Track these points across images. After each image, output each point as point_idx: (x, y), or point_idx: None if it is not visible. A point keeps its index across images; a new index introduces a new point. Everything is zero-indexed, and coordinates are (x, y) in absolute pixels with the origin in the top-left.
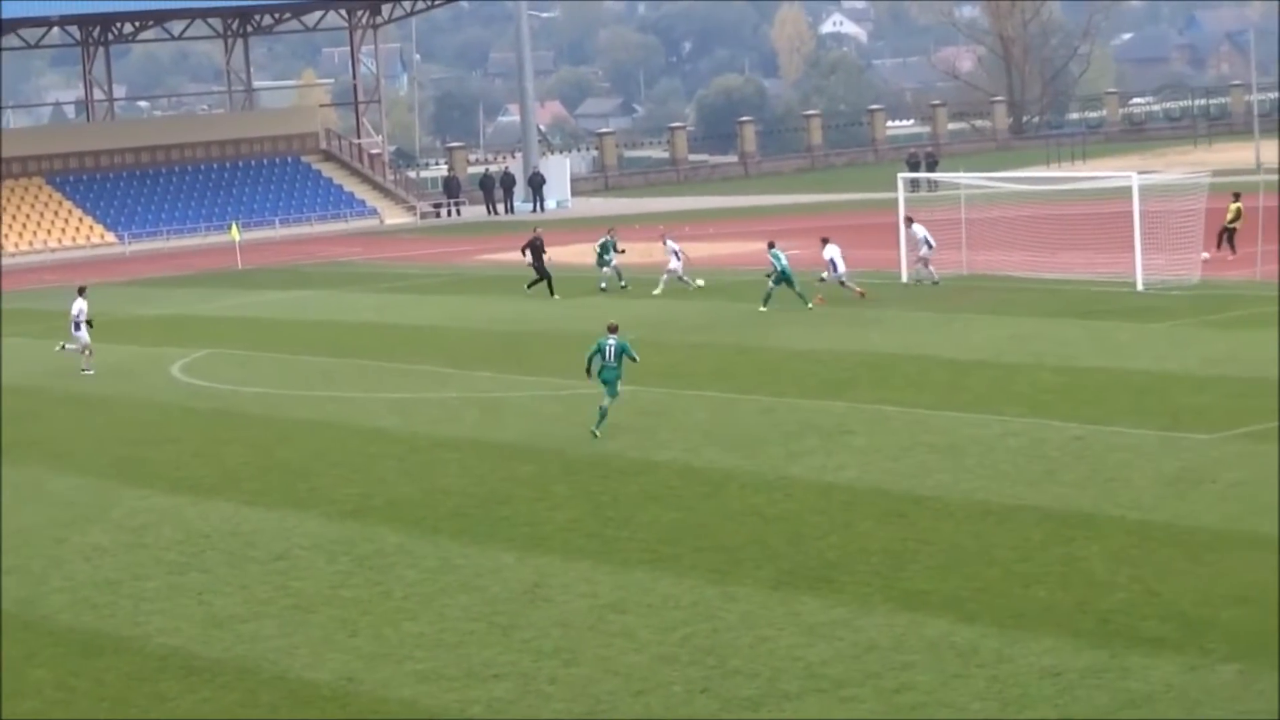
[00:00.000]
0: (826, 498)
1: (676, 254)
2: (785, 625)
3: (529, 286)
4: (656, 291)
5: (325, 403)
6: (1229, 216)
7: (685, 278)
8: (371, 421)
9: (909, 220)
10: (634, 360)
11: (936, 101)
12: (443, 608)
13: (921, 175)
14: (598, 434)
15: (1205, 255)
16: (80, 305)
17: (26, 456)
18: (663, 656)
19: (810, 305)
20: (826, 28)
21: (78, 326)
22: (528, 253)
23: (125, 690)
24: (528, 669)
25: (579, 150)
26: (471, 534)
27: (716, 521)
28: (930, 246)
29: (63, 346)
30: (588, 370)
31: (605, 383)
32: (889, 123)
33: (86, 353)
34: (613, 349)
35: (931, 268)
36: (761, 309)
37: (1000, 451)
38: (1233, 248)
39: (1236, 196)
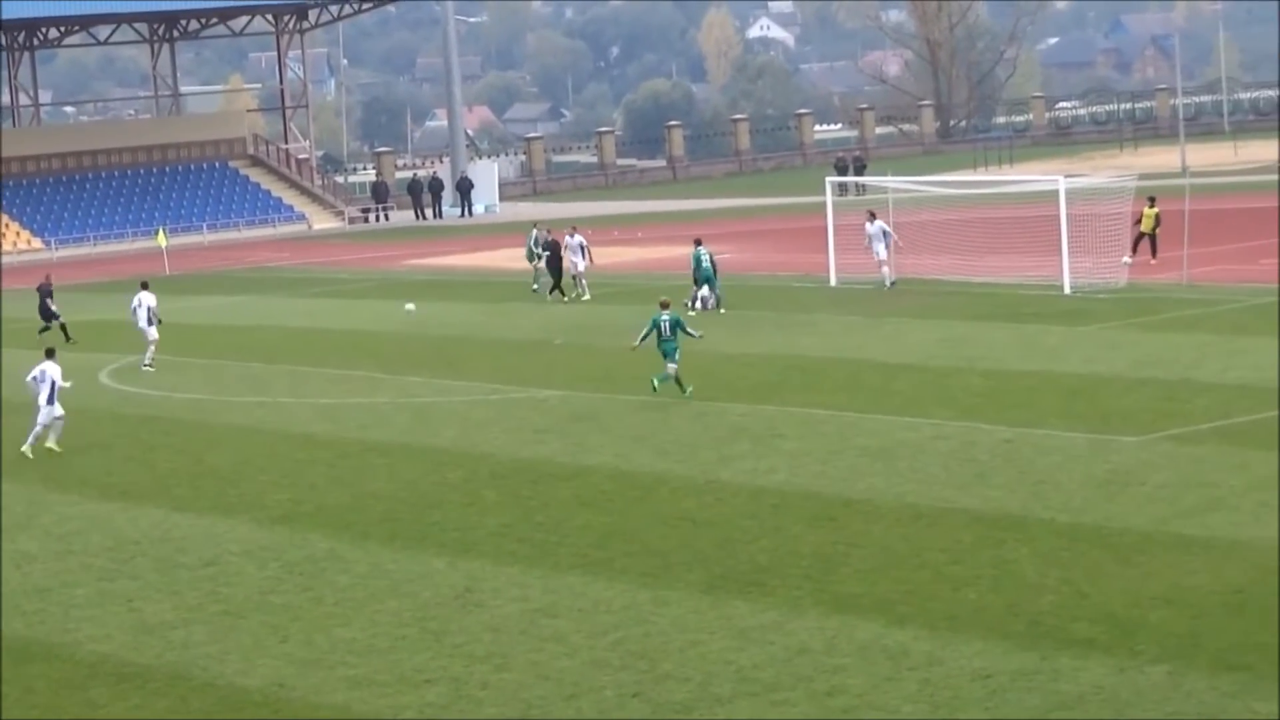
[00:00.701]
0: (757, 501)
1: (583, 248)
2: (717, 629)
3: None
4: (585, 296)
5: (255, 408)
6: (1148, 223)
7: (583, 281)
8: (301, 427)
9: (872, 215)
10: (690, 335)
11: (864, 105)
12: (374, 613)
13: (849, 179)
14: (688, 392)
15: (1127, 260)
16: (145, 299)
17: None
18: (594, 661)
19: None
20: (754, 32)
21: (150, 321)
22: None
23: (55, 698)
24: (459, 674)
25: (507, 155)
26: (402, 539)
27: (647, 526)
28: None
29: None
30: (640, 341)
31: (666, 354)
32: (817, 127)
33: (152, 348)
34: (667, 324)
35: (886, 269)
36: (690, 312)
37: (931, 454)
38: (1153, 252)
39: (1152, 201)
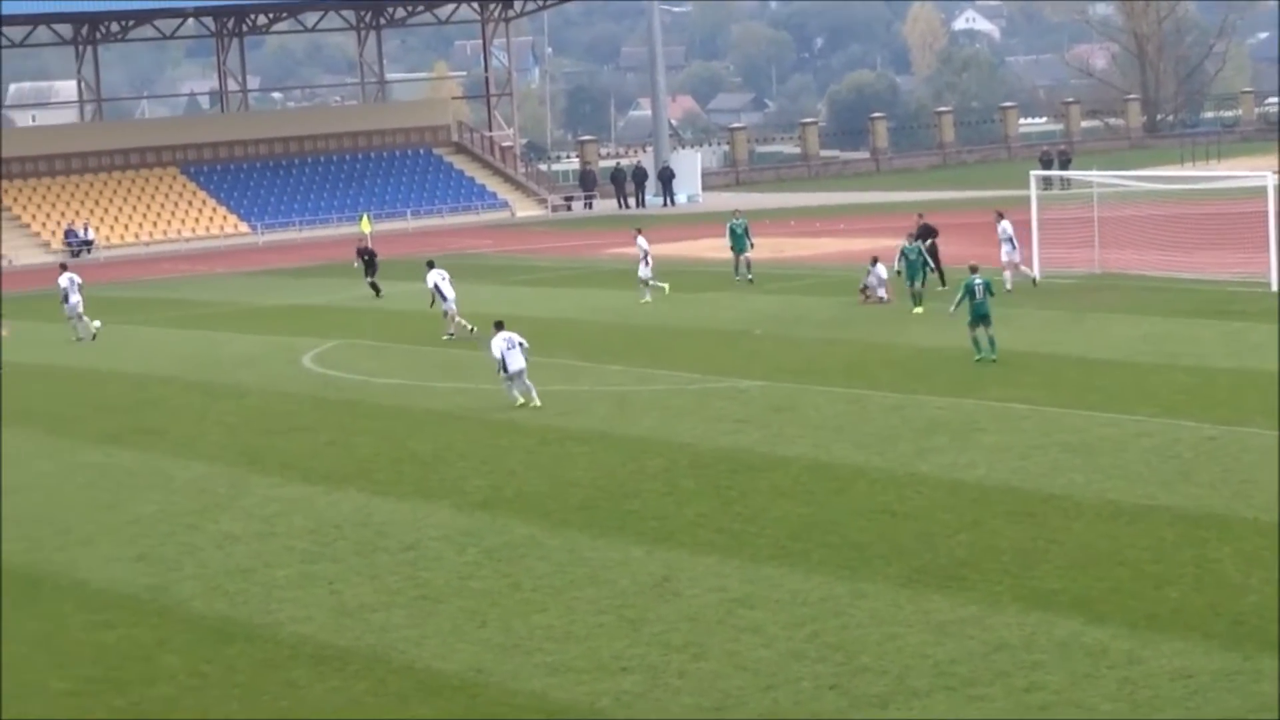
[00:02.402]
0: (956, 495)
1: (646, 256)
2: (914, 623)
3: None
4: (645, 299)
5: (456, 394)
6: None
7: (652, 280)
8: (502, 414)
9: (1000, 215)
10: (992, 295)
11: (1069, 99)
12: (571, 600)
13: (1054, 173)
14: (994, 358)
15: None
16: (435, 276)
17: (154, 444)
18: (791, 652)
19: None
20: (959, 24)
21: (444, 297)
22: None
23: (256, 678)
24: (656, 662)
25: (710, 145)
26: (601, 526)
27: (846, 518)
28: (1013, 246)
29: (451, 335)
30: (955, 308)
31: (981, 316)
32: (1021, 120)
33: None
34: (980, 286)
35: (1024, 267)
36: (918, 309)
37: (1133, 451)
38: None
39: None
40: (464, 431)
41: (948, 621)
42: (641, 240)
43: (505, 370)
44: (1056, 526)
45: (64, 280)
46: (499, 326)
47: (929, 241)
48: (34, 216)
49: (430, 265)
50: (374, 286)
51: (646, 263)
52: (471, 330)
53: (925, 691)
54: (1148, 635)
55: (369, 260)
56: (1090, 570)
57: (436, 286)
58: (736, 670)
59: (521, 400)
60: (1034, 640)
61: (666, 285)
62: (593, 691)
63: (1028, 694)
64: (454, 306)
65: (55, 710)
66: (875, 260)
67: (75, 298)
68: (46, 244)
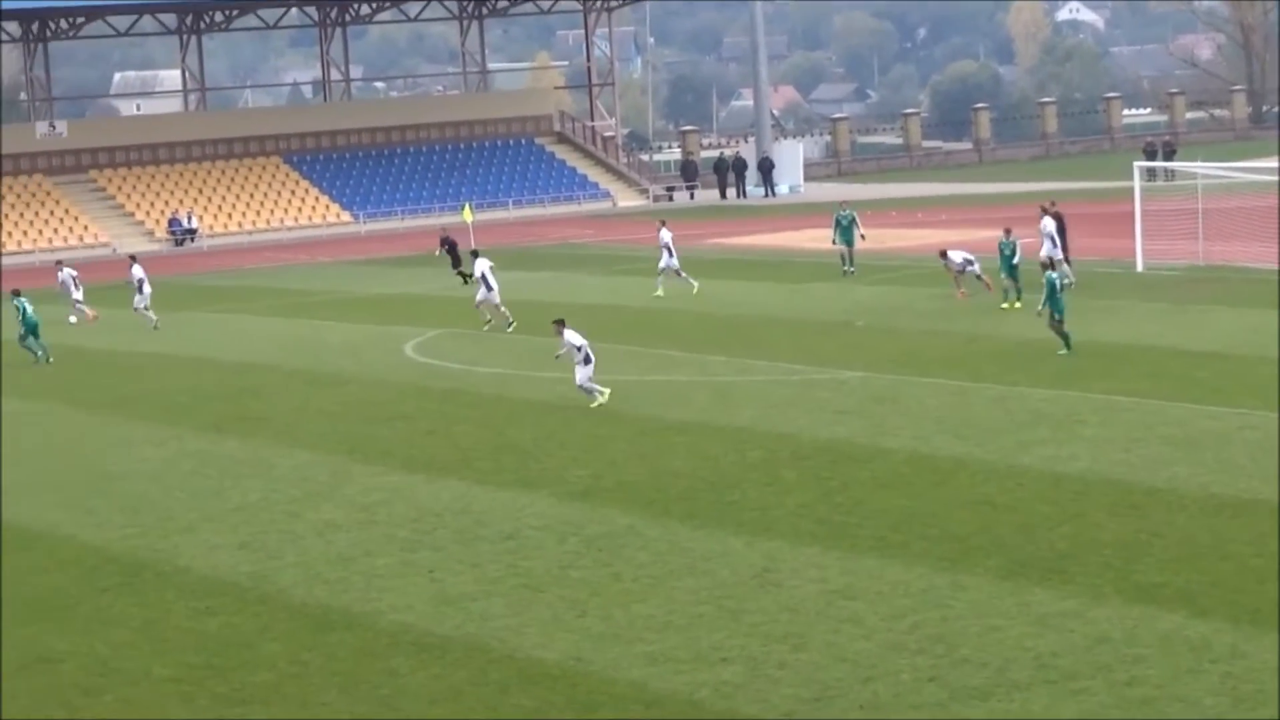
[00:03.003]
0: (1058, 488)
1: (668, 248)
2: (1015, 615)
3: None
4: (659, 292)
5: (556, 384)
6: None
7: (682, 273)
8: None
9: (1044, 210)
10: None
11: (1174, 90)
12: (671, 590)
13: (1158, 164)
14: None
15: None
16: (485, 265)
17: (256, 432)
18: (891, 644)
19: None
20: (1063, 14)
21: (489, 287)
22: None
23: (357, 665)
24: (756, 653)
25: (812, 135)
26: (701, 517)
27: (946, 510)
28: (1054, 245)
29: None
30: (1044, 305)
31: (1059, 311)
32: (1125, 111)
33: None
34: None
35: (1064, 265)
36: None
37: (1236, 445)
38: None
39: None
40: (565, 421)
41: (1049, 614)
42: (665, 233)
43: (588, 360)
44: (1159, 520)
45: (137, 271)
46: (561, 325)
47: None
48: (138, 205)
49: (475, 255)
50: (462, 275)
51: (669, 255)
52: (510, 324)
53: (1026, 684)
54: (1251, 630)
55: (451, 249)
56: (1193, 564)
57: (484, 275)
58: (836, 661)
59: (600, 399)
60: (1136, 634)
61: (696, 284)
62: (692, 682)
63: (1129, 688)
64: (497, 297)
65: (158, 696)
66: (944, 253)
67: (148, 289)
68: (150, 232)
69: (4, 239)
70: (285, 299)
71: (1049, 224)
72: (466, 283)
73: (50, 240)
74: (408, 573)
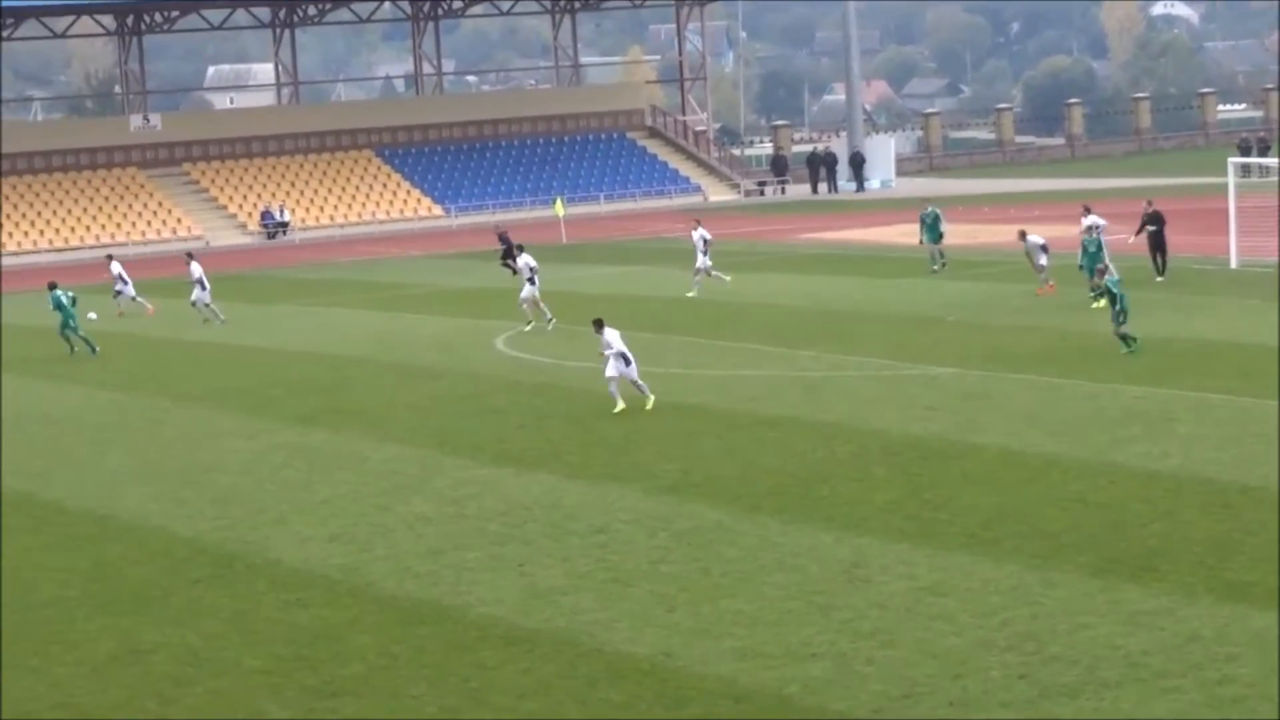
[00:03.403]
0: (1150, 486)
1: (705, 243)
2: (1106, 613)
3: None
4: (691, 293)
5: (646, 378)
6: None
7: (715, 272)
8: (692, 398)
9: (1087, 209)
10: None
11: (1270, 85)
12: (761, 586)
13: (1253, 160)
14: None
15: None
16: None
17: (347, 425)
18: (981, 641)
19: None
20: (1157, 9)
21: (533, 283)
22: None
23: (445, 658)
24: (845, 649)
25: (904, 130)
26: (790, 512)
27: (1037, 507)
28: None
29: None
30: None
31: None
32: (1220, 106)
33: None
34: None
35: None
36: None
37: None
38: None
39: None
40: (654, 416)
41: (1139, 612)
42: (699, 232)
43: (626, 361)
44: (1252, 518)
45: (195, 269)
46: (601, 324)
47: (1155, 229)
48: (230, 198)
49: (520, 250)
50: (509, 266)
51: (704, 252)
52: (550, 321)
53: (1116, 683)
54: None
55: (506, 243)
56: None
57: (532, 270)
58: (925, 658)
59: (621, 405)
60: (1227, 632)
61: (729, 277)
62: (781, 677)
63: (1220, 686)
64: (537, 293)
65: (248, 688)
66: (1024, 234)
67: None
68: (243, 225)
69: (98, 232)
70: (377, 292)
71: (1096, 220)
72: (515, 273)
73: (143, 233)
74: (497, 566)
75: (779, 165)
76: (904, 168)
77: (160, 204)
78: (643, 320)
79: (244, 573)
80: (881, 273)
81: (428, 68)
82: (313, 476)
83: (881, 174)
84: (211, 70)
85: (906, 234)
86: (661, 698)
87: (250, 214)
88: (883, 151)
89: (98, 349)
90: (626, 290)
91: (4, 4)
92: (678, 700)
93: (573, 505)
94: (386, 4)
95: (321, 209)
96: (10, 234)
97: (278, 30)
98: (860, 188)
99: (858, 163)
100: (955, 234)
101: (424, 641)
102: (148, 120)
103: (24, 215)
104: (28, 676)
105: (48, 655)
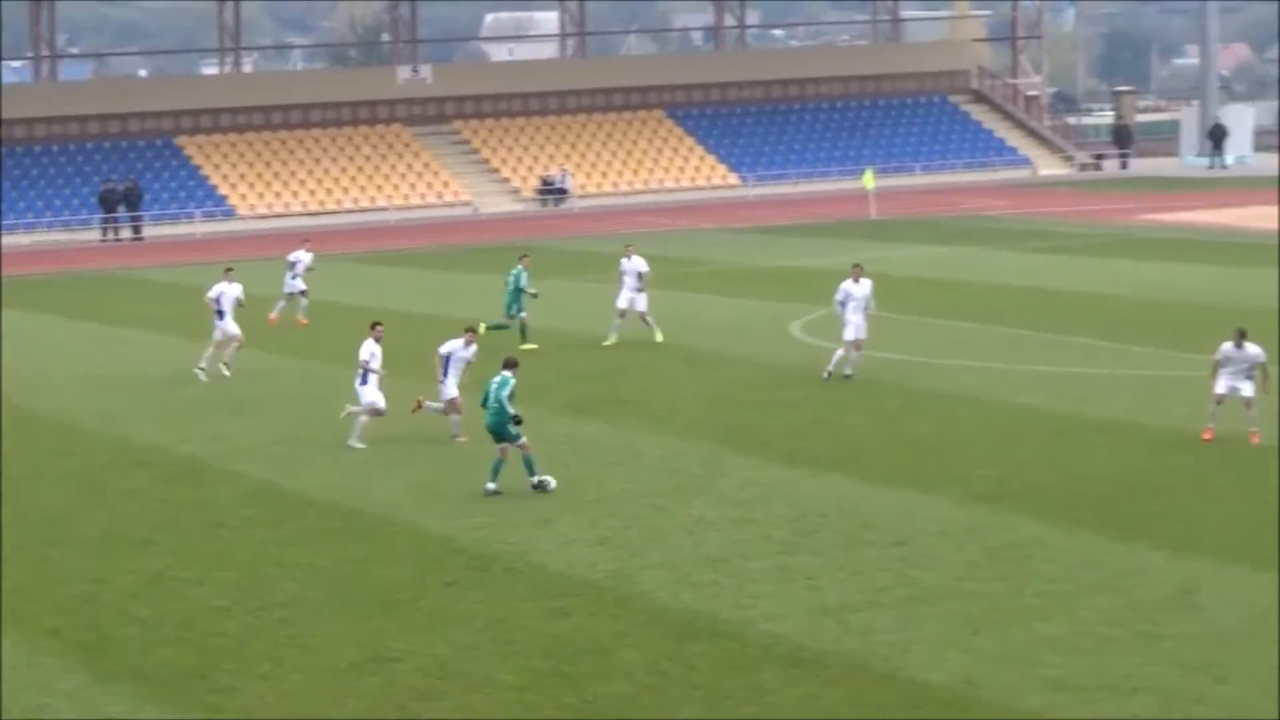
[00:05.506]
0: None
1: (639, 277)
2: None
3: None
4: (608, 341)
5: (962, 373)
6: None
7: (649, 319)
8: (1013, 397)
9: None
10: None
11: None
12: (1080, 609)
13: None
14: None
15: None
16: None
17: (622, 415)
18: None
19: None
20: None
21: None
22: None
23: (720, 679)
24: (1172, 684)
25: (1264, 100)
26: (1118, 528)
27: None
28: None
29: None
30: None
31: None
32: None
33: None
34: None
35: None
36: None
37: None
38: None
39: None
40: (970, 415)
41: None
42: (632, 261)
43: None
44: None
45: (302, 257)
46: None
47: None
48: (504, 160)
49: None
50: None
51: (637, 290)
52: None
53: None
54: None
55: None
56: None
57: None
58: (1263, 698)
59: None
60: None
61: (660, 336)
62: (1096, 713)
63: None
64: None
65: (500, 704)
66: None
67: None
68: (516, 190)
69: (356, 194)
70: (663, 269)
71: None
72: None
73: (406, 196)
74: (784, 578)
75: (1121, 136)
76: (1263, 142)
77: (426, 165)
78: (959, 308)
79: (502, 576)
80: (1232, 261)
81: (729, 19)
82: (583, 472)
83: (1237, 148)
84: (489, 18)
85: (1265, 216)
86: None
87: (525, 178)
88: (1240, 123)
89: None
90: (942, 274)
91: None
92: None
93: (871, 513)
94: None
95: (604, 175)
96: (261, 194)
97: None
98: (1222, 164)
99: (1218, 135)
100: None
101: (698, 659)
102: (416, 72)
103: (276, 174)
104: (258, 683)
105: (282, 661)
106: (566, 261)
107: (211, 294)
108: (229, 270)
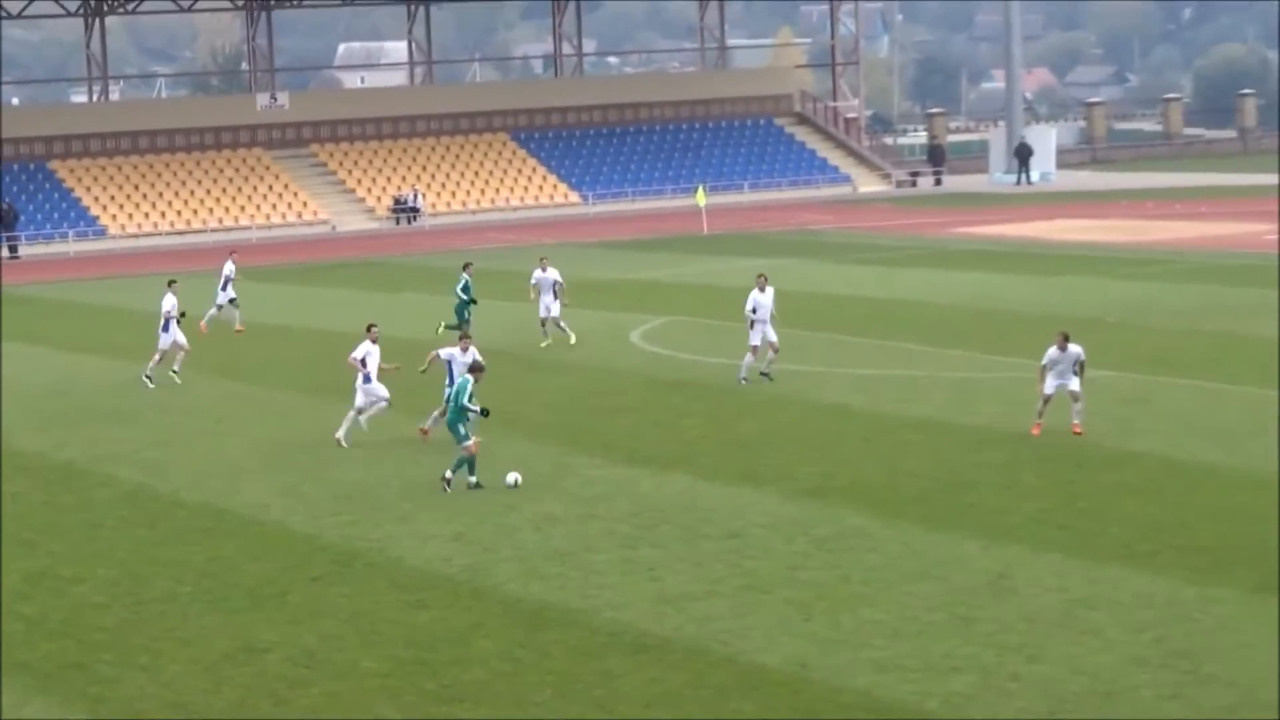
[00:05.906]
0: None
1: (556, 287)
2: (1268, 632)
3: None
4: (544, 344)
5: (789, 376)
6: None
7: (564, 324)
8: (836, 398)
9: None
10: None
11: None
12: (903, 595)
13: None
14: None
15: None
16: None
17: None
18: (1133, 658)
19: None
20: None
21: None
22: None
23: (571, 665)
24: (989, 664)
25: (1066, 120)
26: (935, 520)
27: (1197, 519)
28: None
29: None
30: None
31: None
32: None
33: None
34: None
35: None
36: None
37: None
38: None
39: None
40: (795, 415)
41: None
42: (543, 272)
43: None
44: None
45: (229, 268)
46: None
47: None
48: (359, 181)
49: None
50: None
51: (554, 297)
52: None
53: (1277, 705)
54: None
55: None
56: None
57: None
58: (1074, 675)
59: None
60: None
61: (574, 337)
62: (920, 691)
63: None
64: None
65: (365, 691)
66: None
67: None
68: (371, 210)
69: (220, 215)
70: (509, 282)
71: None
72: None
73: (268, 216)
74: (628, 570)
75: (935, 155)
76: (1065, 159)
77: (286, 186)
78: (786, 316)
79: (364, 572)
80: (1039, 270)
81: (567, 48)
82: (438, 473)
83: (1041, 166)
84: (342, 48)
85: (1068, 229)
86: (795, 710)
87: (380, 198)
88: (1043, 142)
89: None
90: (771, 284)
91: None
92: (811, 713)
93: (707, 508)
94: None
95: (454, 194)
96: (130, 215)
97: (412, 7)
98: (1028, 180)
99: (1024, 154)
100: (1118, 231)
101: (549, 647)
102: (275, 99)
103: (144, 196)
104: (138, 674)
105: (160, 653)
106: (418, 275)
107: (165, 307)
108: (172, 283)
